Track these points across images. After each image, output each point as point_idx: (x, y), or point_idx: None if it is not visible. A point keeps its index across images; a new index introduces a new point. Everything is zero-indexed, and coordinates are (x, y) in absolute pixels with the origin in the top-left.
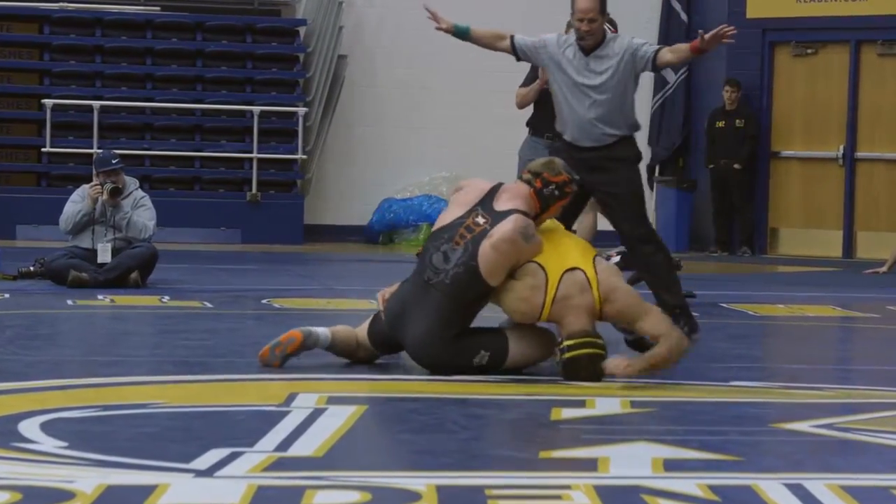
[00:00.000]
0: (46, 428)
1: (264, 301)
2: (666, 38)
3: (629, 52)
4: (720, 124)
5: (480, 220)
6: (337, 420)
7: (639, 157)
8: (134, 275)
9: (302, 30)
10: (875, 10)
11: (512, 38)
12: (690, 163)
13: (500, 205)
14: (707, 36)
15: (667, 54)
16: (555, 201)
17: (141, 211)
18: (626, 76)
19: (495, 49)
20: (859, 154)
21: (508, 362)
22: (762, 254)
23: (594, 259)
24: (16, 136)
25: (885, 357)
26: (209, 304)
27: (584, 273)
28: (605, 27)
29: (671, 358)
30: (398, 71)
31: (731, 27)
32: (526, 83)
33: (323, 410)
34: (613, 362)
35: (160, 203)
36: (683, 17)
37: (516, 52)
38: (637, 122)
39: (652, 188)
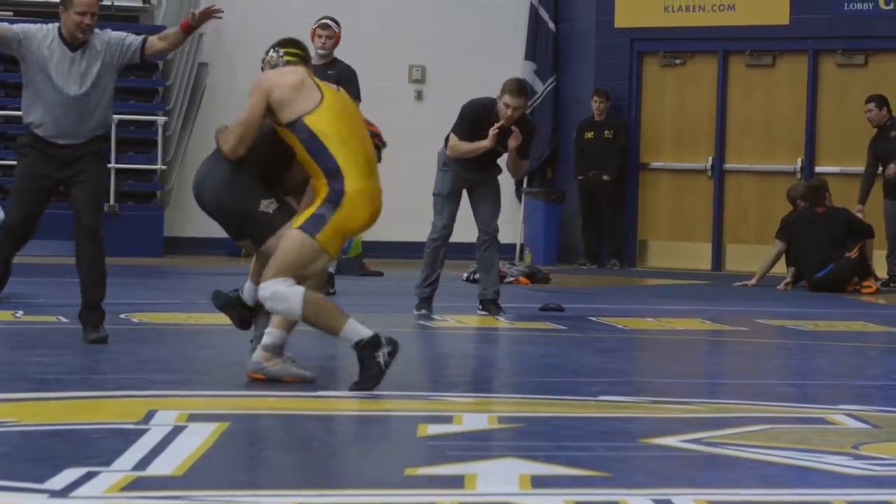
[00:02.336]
0: None
1: (122, 316)
2: (534, 46)
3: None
4: (589, 135)
5: None
6: (198, 438)
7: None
8: None
9: None
10: (743, 20)
11: None
12: (559, 174)
13: None
14: (197, 13)
15: (157, 42)
16: None
17: None
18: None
19: None
20: (728, 166)
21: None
22: (631, 266)
23: None
24: None
25: (754, 371)
26: (64, 319)
27: None
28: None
29: None
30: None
31: (219, 8)
32: (460, 134)
33: (183, 428)
34: None
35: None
36: (551, 25)
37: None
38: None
39: (520, 200)
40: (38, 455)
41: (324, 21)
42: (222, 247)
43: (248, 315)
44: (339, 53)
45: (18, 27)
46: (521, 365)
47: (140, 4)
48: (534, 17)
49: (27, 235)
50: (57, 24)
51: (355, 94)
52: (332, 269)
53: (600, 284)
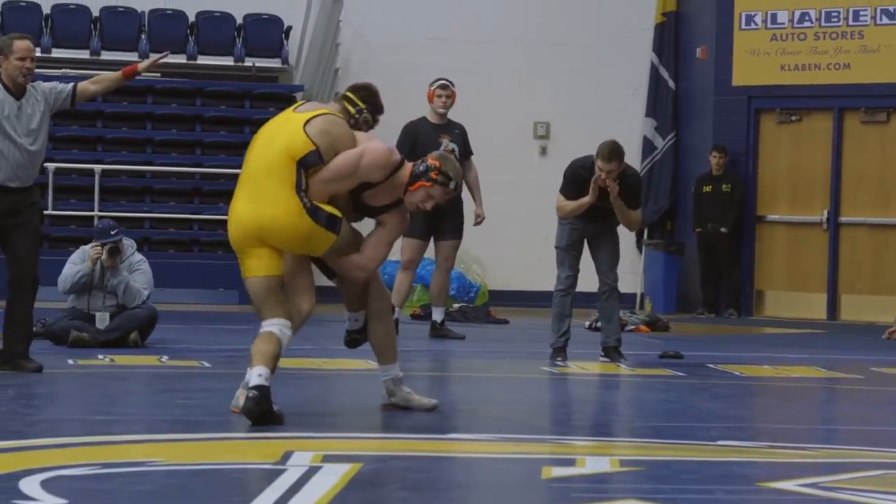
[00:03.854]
0: (47, 486)
1: None
2: (655, 104)
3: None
4: (707, 189)
5: None
6: (332, 478)
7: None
8: (133, 335)
9: (298, 95)
10: (858, 78)
11: None
12: (678, 226)
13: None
14: (146, 61)
15: (89, 86)
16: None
17: (137, 275)
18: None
19: None
20: (843, 219)
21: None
22: (748, 316)
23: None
24: None
25: (869, 417)
26: (207, 364)
27: None
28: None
29: None
30: (392, 136)
31: (164, 54)
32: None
33: (318, 468)
34: None
35: (159, 265)
36: (671, 84)
37: None
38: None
39: (641, 251)
40: (182, 493)
41: (443, 82)
42: None
43: (357, 337)
44: (470, 110)
45: None
46: (642, 410)
47: (279, 65)
48: (654, 76)
49: None
50: None
51: (469, 150)
52: (435, 315)
53: (718, 333)
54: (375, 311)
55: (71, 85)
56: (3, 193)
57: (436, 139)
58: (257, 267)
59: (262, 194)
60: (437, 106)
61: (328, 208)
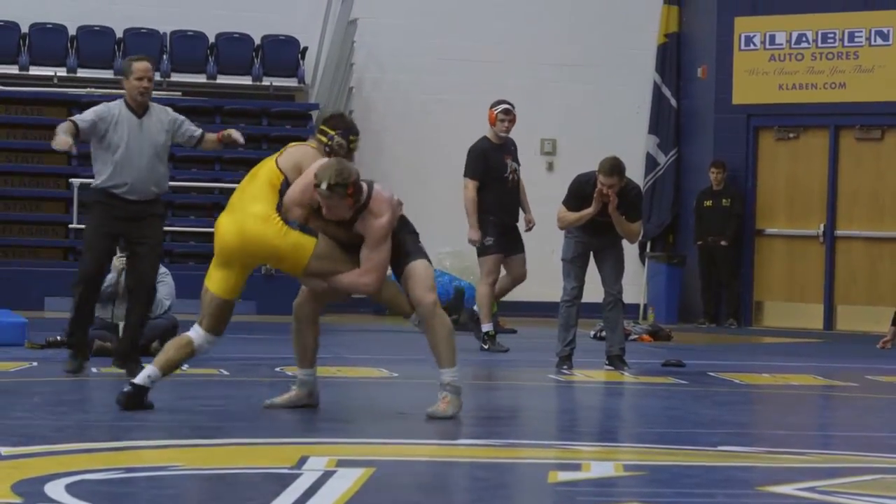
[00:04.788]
0: (72, 489)
1: (278, 369)
2: (657, 121)
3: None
4: (708, 203)
5: None
6: (346, 482)
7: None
8: (155, 344)
9: (314, 114)
10: (853, 97)
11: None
12: (680, 239)
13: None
14: (231, 136)
15: (209, 142)
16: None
17: (160, 286)
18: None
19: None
20: (839, 232)
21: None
22: (748, 325)
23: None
24: (45, 213)
25: (864, 423)
26: (225, 372)
27: None
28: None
29: None
30: (404, 152)
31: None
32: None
33: (333, 473)
34: None
35: (181, 276)
36: (673, 102)
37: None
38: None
39: (644, 263)
40: (202, 496)
41: (506, 107)
42: (368, 305)
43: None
44: (479, 126)
45: (90, 114)
46: (645, 416)
47: (296, 84)
48: (657, 94)
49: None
50: (122, 99)
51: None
52: (485, 329)
53: (718, 342)
54: (421, 317)
55: (200, 131)
56: (125, 204)
57: (502, 160)
58: (220, 285)
59: (244, 211)
60: (500, 130)
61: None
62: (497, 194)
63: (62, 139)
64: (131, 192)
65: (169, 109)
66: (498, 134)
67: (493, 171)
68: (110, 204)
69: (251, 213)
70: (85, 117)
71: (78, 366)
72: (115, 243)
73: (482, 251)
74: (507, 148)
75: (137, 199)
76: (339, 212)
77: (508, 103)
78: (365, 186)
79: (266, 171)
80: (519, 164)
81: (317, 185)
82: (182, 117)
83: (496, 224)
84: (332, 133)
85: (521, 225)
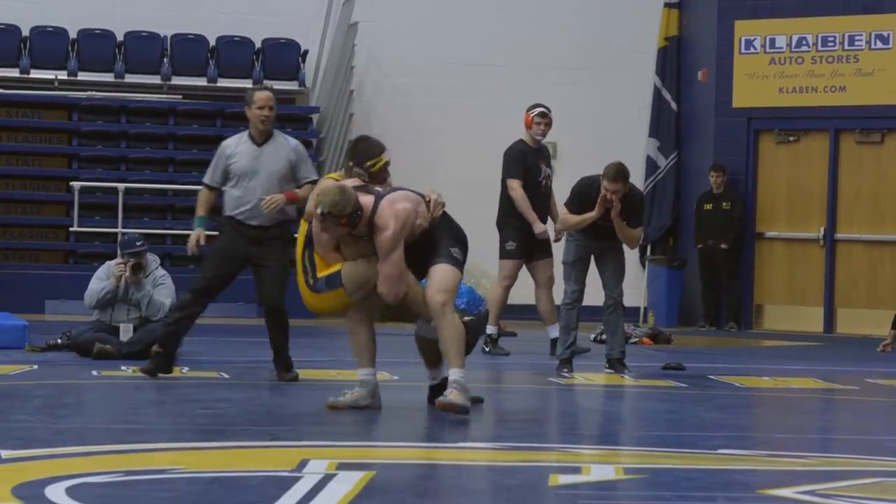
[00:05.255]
0: (72, 492)
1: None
2: (657, 125)
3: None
4: (708, 207)
5: None
6: (346, 485)
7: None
8: (155, 347)
9: (315, 117)
10: (853, 100)
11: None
12: (680, 242)
13: None
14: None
15: (307, 190)
16: None
17: (160, 289)
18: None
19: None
20: (839, 235)
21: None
22: (748, 329)
23: None
24: (45, 216)
25: (865, 427)
26: (226, 375)
27: None
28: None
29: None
30: (404, 156)
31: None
32: (570, 208)
33: (333, 476)
34: None
35: (181, 280)
36: (673, 106)
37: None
38: None
39: (644, 266)
40: (202, 500)
41: (542, 110)
42: None
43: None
44: (480, 130)
45: (211, 166)
46: (645, 419)
47: (297, 88)
48: (657, 97)
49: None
50: (246, 129)
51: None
52: (552, 335)
53: (719, 345)
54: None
55: (313, 178)
56: (248, 229)
57: (537, 164)
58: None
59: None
60: (536, 133)
61: (323, 273)
62: (528, 198)
63: (191, 240)
64: (252, 217)
65: (291, 140)
66: (534, 137)
67: (527, 175)
68: (237, 229)
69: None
70: (210, 172)
71: (163, 370)
72: (240, 266)
73: (504, 254)
74: (542, 153)
75: (259, 224)
76: (334, 233)
77: (544, 106)
78: (369, 204)
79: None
80: (552, 171)
81: (316, 207)
82: (302, 153)
83: (520, 229)
84: (350, 164)
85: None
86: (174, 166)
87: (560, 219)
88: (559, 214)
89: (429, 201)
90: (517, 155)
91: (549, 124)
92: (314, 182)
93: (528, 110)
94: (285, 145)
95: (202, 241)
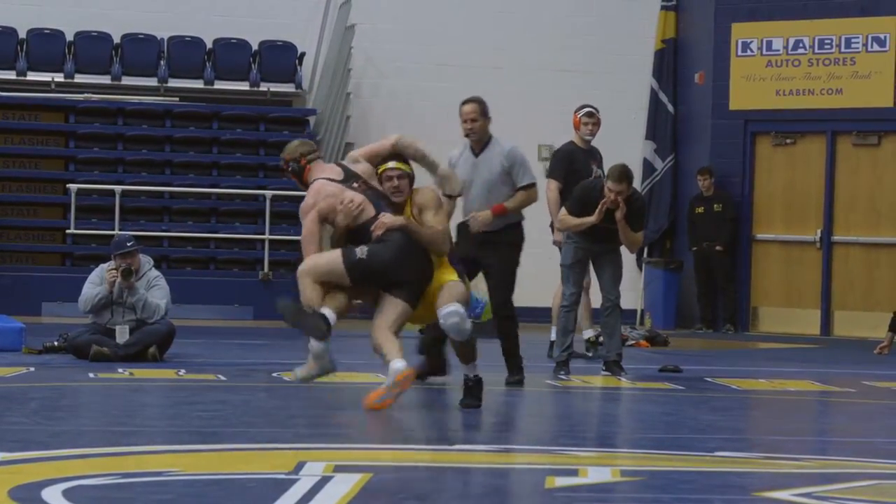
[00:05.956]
0: (69, 495)
1: (274, 374)
2: (654, 127)
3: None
4: (699, 210)
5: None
6: (343, 487)
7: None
8: (152, 349)
9: (312, 119)
10: (850, 103)
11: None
12: (677, 245)
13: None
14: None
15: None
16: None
17: (154, 291)
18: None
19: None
20: (836, 238)
21: None
22: (744, 331)
23: None
24: (42, 218)
25: (861, 429)
26: (222, 377)
27: None
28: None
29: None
30: None
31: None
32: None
33: (330, 478)
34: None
35: (177, 282)
36: (670, 108)
37: None
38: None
39: (641, 269)
40: (198, 502)
41: (589, 110)
42: (365, 311)
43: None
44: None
45: (448, 161)
46: (642, 422)
47: (293, 90)
48: (654, 100)
49: None
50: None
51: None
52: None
53: (715, 348)
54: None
55: (525, 182)
56: (474, 234)
57: (588, 164)
58: None
59: None
60: (584, 133)
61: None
62: None
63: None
64: (475, 223)
65: (507, 145)
66: (583, 137)
67: (576, 175)
68: (465, 232)
69: None
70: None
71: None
72: (475, 269)
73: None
74: (592, 154)
75: (482, 231)
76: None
77: (592, 107)
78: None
79: None
80: (604, 172)
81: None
82: (515, 157)
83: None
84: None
85: None
86: (171, 168)
87: (559, 218)
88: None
89: (353, 205)
90: (562, 156)
91: (596, 123)
92: (529, 187)
93: (575, 111)
94: (499, 152)
95: None
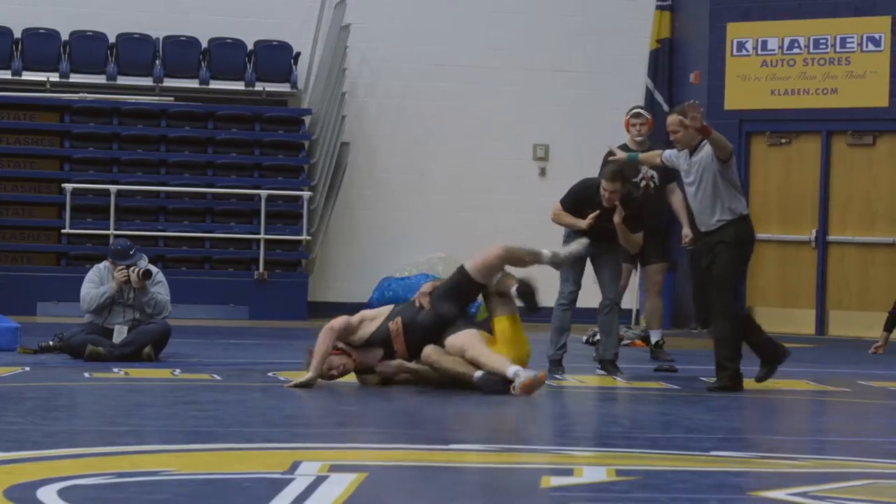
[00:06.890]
0: (64, 495)
1: (270, 374)
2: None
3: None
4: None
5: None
6: (338, 487)
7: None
8: (147, 349)
9: (307, 119)
10: (845, 103)
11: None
12: (671, 245)
13: None
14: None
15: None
16: None
17: (158, 287)
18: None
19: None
20: (831, 237)
21: None
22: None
23: None
24: (37, 218)
25: (857, 429)
26: (218, 377)
27: None
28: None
29: None
30: (397, 158)
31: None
32: (564, 205)
33: (325, 478)
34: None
35: (173, 282)
36: (665, 108)
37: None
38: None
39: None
40: (193, 502)
41: (637, 111)
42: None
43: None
44: (472, 132)
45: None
46: (638, 422)
47: (289, 90)
48: (649, 100)
49: None
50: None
51: (669, 176)
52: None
53: (711, 347)
54: None
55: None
56: (703, 236)
57: (638, 167)
58: None
59: None
60: (634, 134)
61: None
62: None
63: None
64: (699, 224)
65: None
66: (634, 139)
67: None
68: (697, 236)
69: None
70: None
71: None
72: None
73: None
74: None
75: (705, 231)
76: None
77: (640, 107)
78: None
79: None
80: (671, 178)
81: None
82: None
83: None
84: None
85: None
86: (166, 168)
87: (553, 211)
88: (681, 210)
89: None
90: (579, 189)
91: (644, 124)
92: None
93: (626, 114)
94: (709, 150)
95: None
